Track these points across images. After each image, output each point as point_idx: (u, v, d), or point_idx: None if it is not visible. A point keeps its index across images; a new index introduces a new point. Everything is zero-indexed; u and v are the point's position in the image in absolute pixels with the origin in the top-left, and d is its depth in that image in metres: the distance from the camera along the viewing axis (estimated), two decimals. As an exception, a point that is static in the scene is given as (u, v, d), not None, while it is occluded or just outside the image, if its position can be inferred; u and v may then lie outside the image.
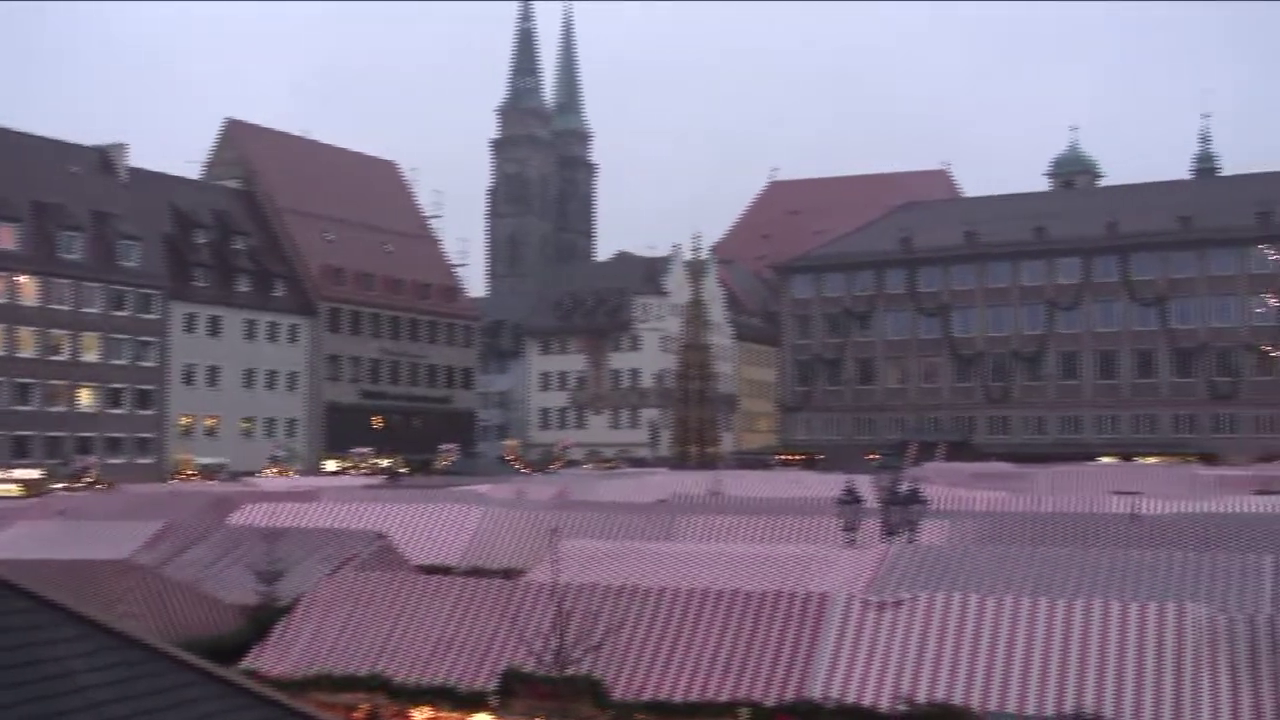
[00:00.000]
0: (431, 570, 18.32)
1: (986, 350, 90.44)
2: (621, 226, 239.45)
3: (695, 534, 21.97)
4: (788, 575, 15.63)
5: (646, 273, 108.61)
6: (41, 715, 6.42)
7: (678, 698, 12.28)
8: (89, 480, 54.06)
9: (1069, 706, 11.25)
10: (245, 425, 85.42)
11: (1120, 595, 13.49)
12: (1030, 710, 11.38)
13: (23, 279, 73.27)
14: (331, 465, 79.62)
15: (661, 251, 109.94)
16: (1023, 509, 26.86)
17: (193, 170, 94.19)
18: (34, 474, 62.17)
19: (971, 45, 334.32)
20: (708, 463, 70.60)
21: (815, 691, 11.98)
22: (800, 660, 12.39)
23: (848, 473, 31.37)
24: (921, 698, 11.61)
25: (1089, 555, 16.10)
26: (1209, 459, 69.11)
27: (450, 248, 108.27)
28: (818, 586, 14.32)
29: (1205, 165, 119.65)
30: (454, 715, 13.13)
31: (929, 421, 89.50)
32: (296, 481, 49.33)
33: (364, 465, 73.25)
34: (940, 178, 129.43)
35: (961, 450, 74.27)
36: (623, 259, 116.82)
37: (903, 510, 19.55)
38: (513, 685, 12.65)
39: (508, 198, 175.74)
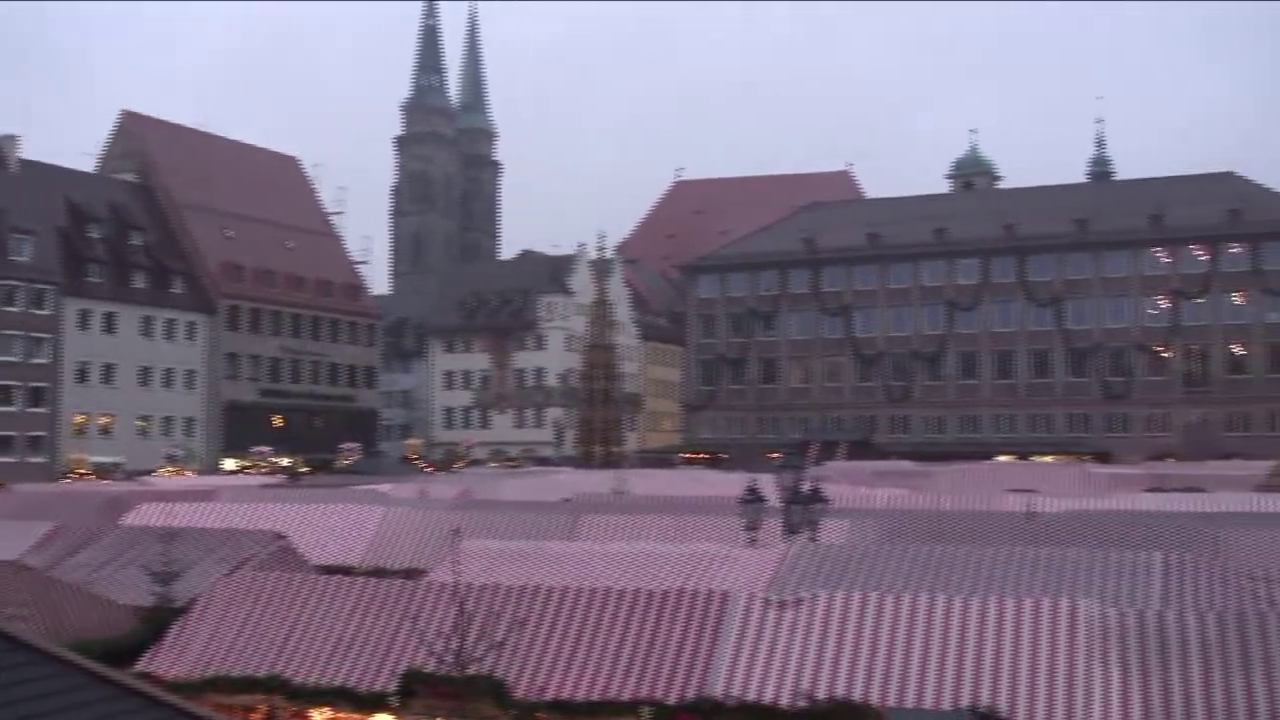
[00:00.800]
0: (332, 570, 18.07)
1: (887, 350, 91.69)
2: (526, 226, 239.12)
3: (599, 533, 21.96)
4: (690, 574, 15.68)
5: (551, 272, 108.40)
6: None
7: (580, 697, 12.27)
8: (-23, 480, 52.49)
9: (966, 701, 11.42)
10: (141, 424, 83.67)
11: (1016, 592, 13.74)
12: (928, 705, 11.53)
13: (-93, 273, 71.02)
14: (230, 465, 78.38)
15: (566, 251, 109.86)
16: (922, 507, 27.26)
17: (88, 164, 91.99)
18: (-82, 474, 60.24)
19: (875, 47, 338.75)
20: (612, 462, 70.66)
21: (716, 689, 12.03)
22: (702, 659, 12.43)
23: (750, 472, 31.61)
24: (821, 694, 11.71)
25: (986, 553, 16.37)
26: (1102, 458, 70.81)
27: (353, 245, 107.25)
28: (719, 585, 14.38)
29: (1100, 169, 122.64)
30: (354, 716, 12.98)
31: (831, 420, 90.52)
32: (194, 481, 48.46)
33: (263, 465, 72.09)
34: (843, 179, 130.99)
35: (863, 449, 75.26)
36: (527, 258, 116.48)
37: (804, 509, 19.70)
38: (413, 686, 12.54)
39: (412, 196, 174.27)
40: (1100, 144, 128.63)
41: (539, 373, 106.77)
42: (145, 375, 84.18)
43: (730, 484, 30.06)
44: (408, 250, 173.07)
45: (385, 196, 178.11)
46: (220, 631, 14.12)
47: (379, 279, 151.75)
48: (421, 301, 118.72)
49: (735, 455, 75.61)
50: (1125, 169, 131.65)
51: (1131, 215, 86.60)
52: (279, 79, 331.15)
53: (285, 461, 72.63)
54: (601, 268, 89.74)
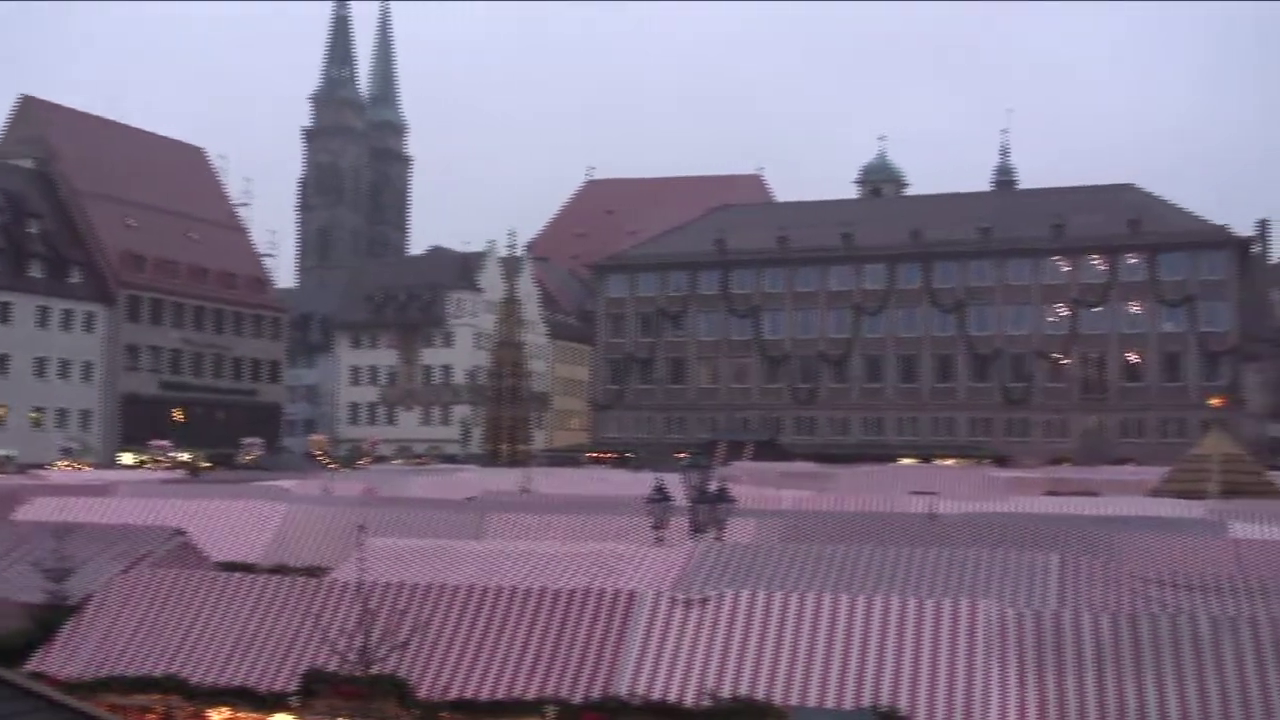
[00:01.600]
0: (232, 568, 17.77)
1: (794, 352, 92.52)
2: (436, 222, 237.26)
3: (505, 532, 21.85)
4: (596, 573, 15.67)
5: (461, 268, 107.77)
6: None
7: (484, 696, 12.20)
8: None
9: (868, 700, 11.55)
10: (35, 416, 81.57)
11: (917, 592, 13.92)
12: (830, 704, 11.65)
13: None
14: (128, 459, 76.72)
15: (476, 248, 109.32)
16: (827, 508, 27.52)
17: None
18: None
19: (789, 53, 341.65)
20: (519, 460, 70.47)
21: (622, 688, 12.03)
22: (607, 657, 12.43)
23: (658, 471, 31.68)
24: (726, 693, 11.77)
25: (889, 553, 16.57)
26: (1002, 461, 72.15)
27: (259, 238, 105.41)
28: (626, 584, 14.39)
29: (1004, 178, 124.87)
30: (253, 716, 12.76)
31: (738, 421, 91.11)
32: (89, 475, 47.31)
33: (163, 459, 70.71)
34: (754, 182, 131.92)
35: (769, 450, 75.79)
36: (437, 254, 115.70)
37: (711, 509, 19.79)
38: (315, 685, 12.37)
39: (319, 188, 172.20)
40: (1005, 154, 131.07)
41: (446, 370, 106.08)
42: (40, 366, 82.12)
43: (637, 483, 30.09)
44: (315, 244, 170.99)
45: (293, 189, 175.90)
46: (115, 630, 13.81)
47: (285, 272, 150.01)
48: (328, 296, 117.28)
49: (642, 455, 75.79)
50: (1029, 179, 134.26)
51: (1034, 224, 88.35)
52: (184, 70, 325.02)
53: (185, 456, 71.29)
54: (511, 265, 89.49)
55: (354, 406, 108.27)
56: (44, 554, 16.98)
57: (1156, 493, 34.34)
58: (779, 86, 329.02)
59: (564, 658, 12.53)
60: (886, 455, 74.38)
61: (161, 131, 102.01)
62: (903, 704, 11.40)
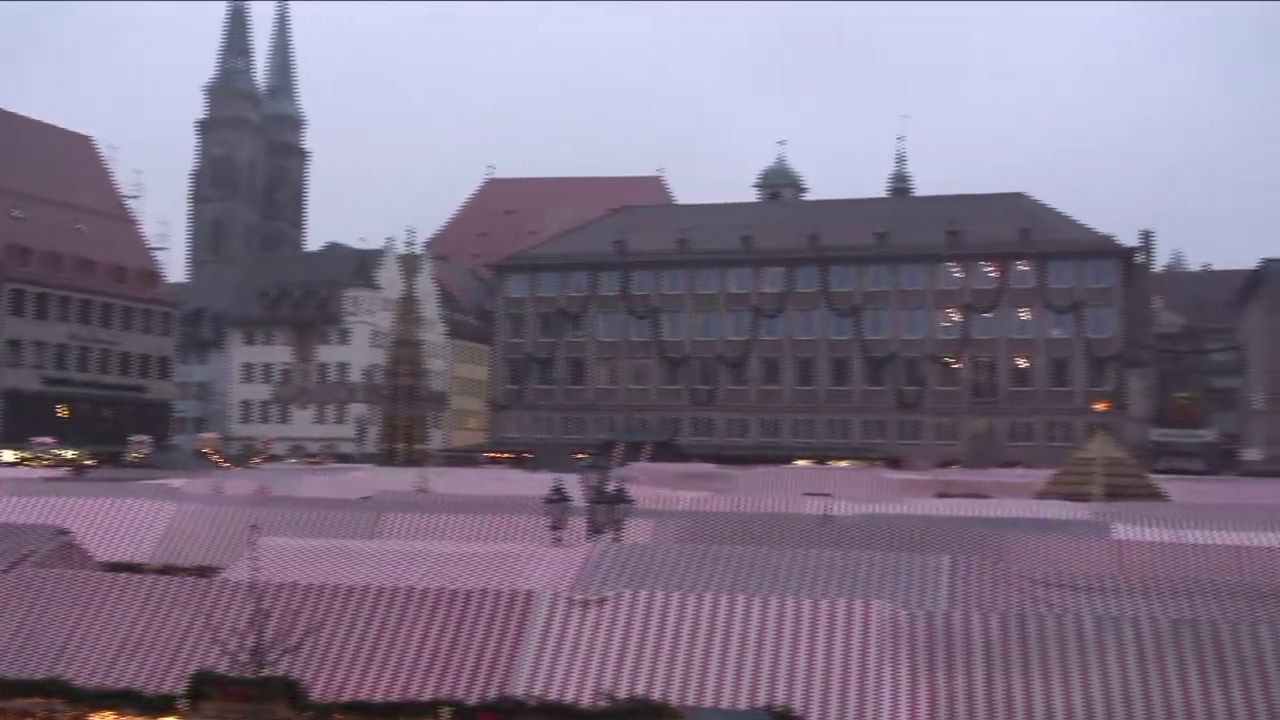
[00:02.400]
0: (119, 568, 17.34)
1: (693, 354, 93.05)
2: (333, 218, 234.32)
3: (401, 532, 21.64)
4: (493, 573, 15.59)
5: (358, 265, 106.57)
6: None
7: (378, 697, 12.07)
8: None
9: (763, 700, 11.65)
10: (-89, 411, 78.94)
11: (811, 593, 14.07)
12: (726, 704, 11.73)
13: None
14: (9, 456, 74.44)
15: (374, 245, 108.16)
16: (723, 509, 27.69)
17: None
18: None
19: (692, 55, 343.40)
20: (416, 460, 69.87)
21: (518, 689, 12.00)
22: (504, 658, 12.38)
23: (556, 471, 31.61)
24: (622, 693, 11.79)
25: (784, 554, 16.72)
26: (895, 463, 73.30)
27: (150, 231, 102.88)
28: (523, 584, 14.34)
29: (900, 185, 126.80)
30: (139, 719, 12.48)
31: (637, 422, 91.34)
32: (-31, 473, 45.86)
33: (46, 457, 68.74)
34: (655, 184, 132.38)
35: (667, 451, 76.14)
36: (333, 250, 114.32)
37: (609, 509, 19.82)
38: (204, 687, 12.13)
39: (213, 181, 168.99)
40: (901, 161, 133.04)
41: (342, 368, 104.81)
42: (-83, 360, 79.49)
43: (535, 483, 29.99)
44: (208, 238, 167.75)
45: (185, 181, 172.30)
46: (-5, 631, 13.40)
47: (177, 267, 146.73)
48: (221, 291, 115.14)
49: (541, 455, 75.61)
50: (926, 185, 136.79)
51: (929, 231, 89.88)
52: (73, 57, 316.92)
53: (70, 454, 69.43)
54: (410, 263, 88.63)
55: (246, 404, 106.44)
56: (-80, 554, 16.44)
57: (1043, 495, 35.07)
58: (681, 89, 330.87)
59: (460, 658, 12.46)
60: (783, 456, 75.13)
61: (48, 120, 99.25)
62: (797, 703, 11.52)
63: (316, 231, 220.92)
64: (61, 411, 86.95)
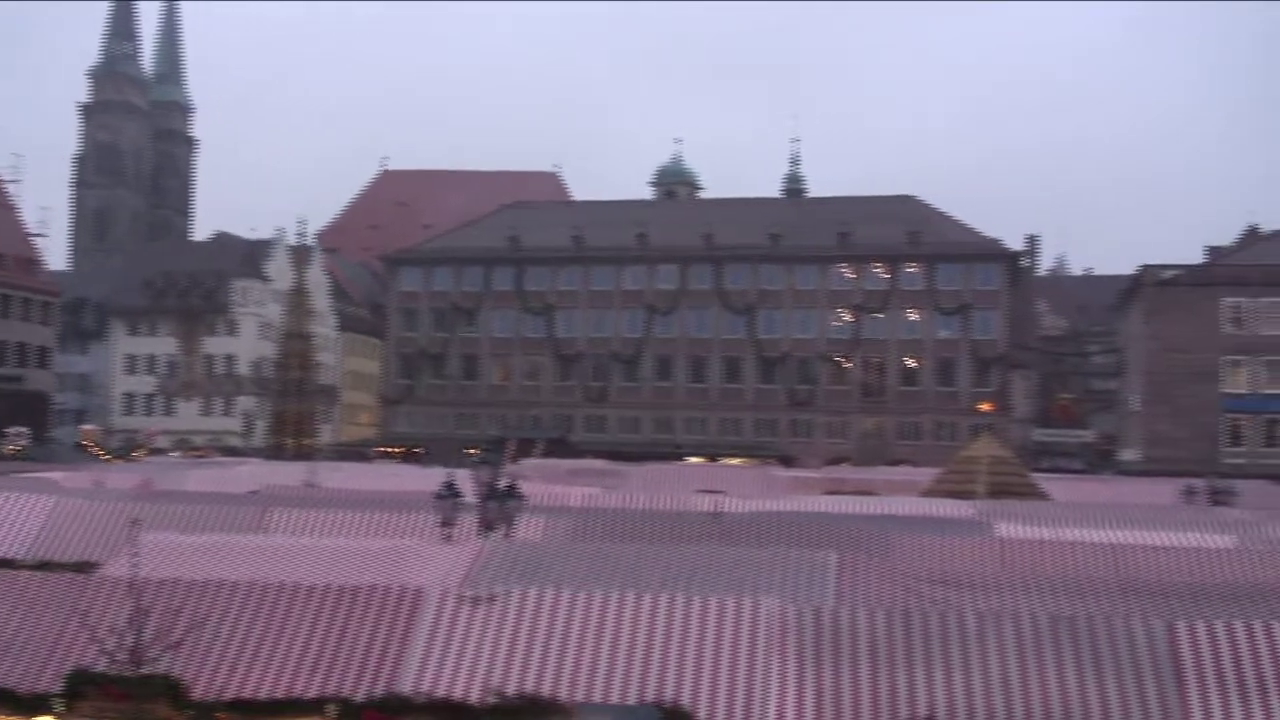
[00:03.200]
0: (-8, 564, 16.87)
1: (587, 351, 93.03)
2: (223, 207, 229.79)
3: (288, 527, 21.34)
4: (382, 569, 15.45)
5: (247, 256, 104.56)
6: None
7: (262, 695, 11.90)
8: None
9: (652, 696, 11.71)
10: None
11: (701, 590, 14.16)
12: (615, 700, 11.77)
13: None
14: (-123, 448, 71.74)
15: (264, 235, 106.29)
16: (615, 506, 27.73)
17: None
18: None
19: (589, 52, 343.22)
20: (305, 454, 68.92)
21: (406, 686, 11.91)
22: (392, 655, 12.29)
23: (448, 467, 31.39)
24: (511, 690, 11.76)
25: (675, 551, 16.83)
26: (786, 461, 74.04)
27: (30, 216, 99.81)
28: (412, 581, 14.23)
29: (794, 186, 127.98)
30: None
31: (530, 418, 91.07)
32: None
33: (-84, 449, 66.38)
34: (551, 179, 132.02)
35: (560, 447, 75.97)
36: (222, 240, 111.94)
37: (500, 506, 19.75)
38: (81, 687, 11.84)
39: (97, 167, 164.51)
40: (795, 162, 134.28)
41: (230, 360, 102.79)
42: None
43: (426, 479, 29.73)
44: (91, 225, 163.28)
45: (68, 167, 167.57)
46: None
47: (58, 254, 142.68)
48: (104, 280, 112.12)
49: (433, 451, 75.05)
50: (821, 185, 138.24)
51: (821, 232, 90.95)
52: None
53: (-58, 446, 67.11)
54: (301, 255, 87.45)
55: (129, 396, 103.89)
56: None
57: (929, 493, 35.69)
58: (579, 85, 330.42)
59: (347, 655, 12.34)
60: (676, 454, 75.52)
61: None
62: (685, 699, 11.61)
63: (205, 221, 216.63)
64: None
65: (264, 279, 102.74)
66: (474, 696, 11.76)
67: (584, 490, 32.38)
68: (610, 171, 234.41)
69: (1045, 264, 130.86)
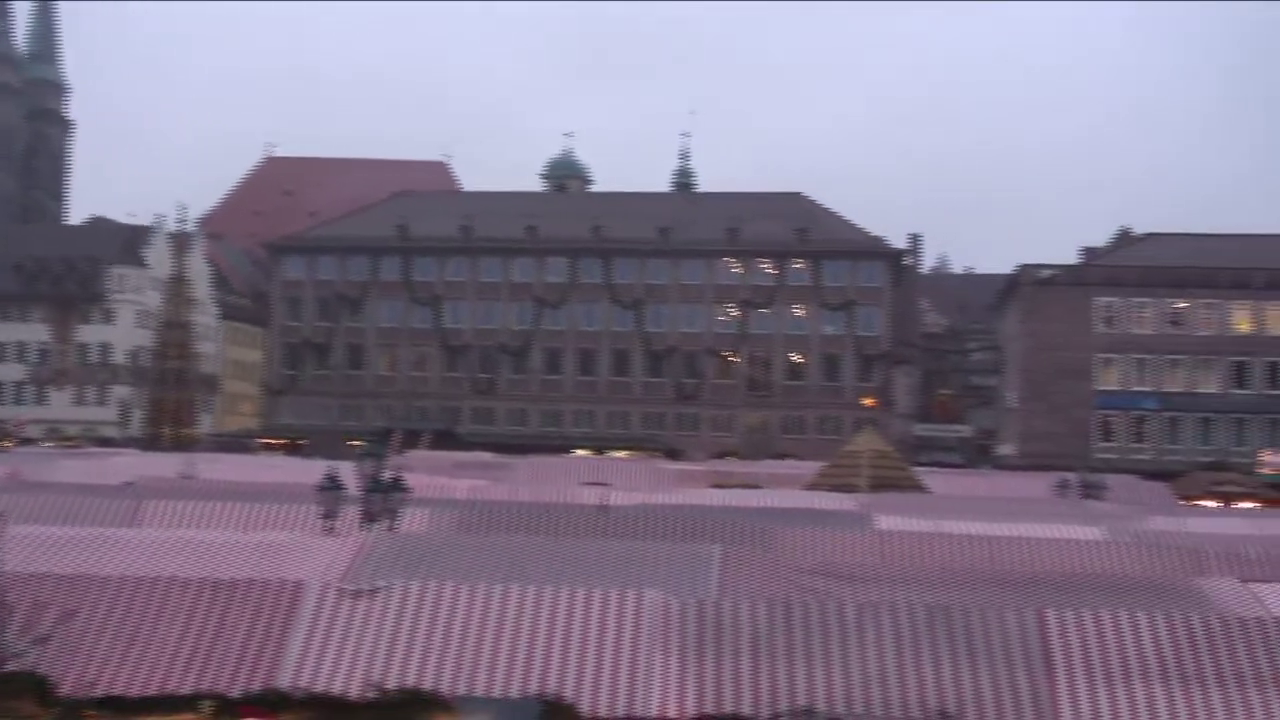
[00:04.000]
0: None
1: (475, 343, 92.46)
2: (100, 191, 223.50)
3: (164, 520, 20.85)
4: (261, 563, 15.19)
5: (125, 242, 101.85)
6: None
7: (134, 692, 11.61)
8: None
9: (534, 688, 11.69)
10: None
11: (586, 582, 14.18)
12: (497, 693, 11.73)
13: None
14: None
15: (143, 221, 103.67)
16: (501, 498, 27.60)
17: None
18: None
19: (481, 43, 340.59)
20: (183, 445, 67.52)
21: (284, 681, 11.72)
22: (270, 650, 12.09)
23: (332, 459, 30.97)
24: (393, 684, 11.65)
25: (560, 544, 16.83)
26: (673, 455, 74.45)
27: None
28: (292, 574, 14.01)
29: (683, 180, 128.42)
30: None
31: (416, 410, 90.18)
32: None
33: None
34: (440, 169, 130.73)
35: (447, 439, 75.42)
36: (98, 225, 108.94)
37: (384, 498, 19.56)
38: (-60, 685, 11.44)
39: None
40: (685, 157, 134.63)
41: (105, 348, 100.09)
42: None
43: (309, 471, 29.31)
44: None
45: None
46: None
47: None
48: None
49: (317, 442, 73.89)
50: (712, 181, 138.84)
51: (710, 227, 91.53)
52: None
53: None
54: (181, 241, 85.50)
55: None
56: None
57: (813, 486, 36.22)
58: (471, 76, 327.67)
59: (224, 650, 12.11)
60: (563, 446, 75.42)
61: None
62: (568, 692, 11.61)
63: (80, 205, 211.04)
64: None
65: (142, 266, 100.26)
66: (354, 691, 11.63)
67: (470, 483, 32.23)
68: (501, 163, 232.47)
69: (928, 263, 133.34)
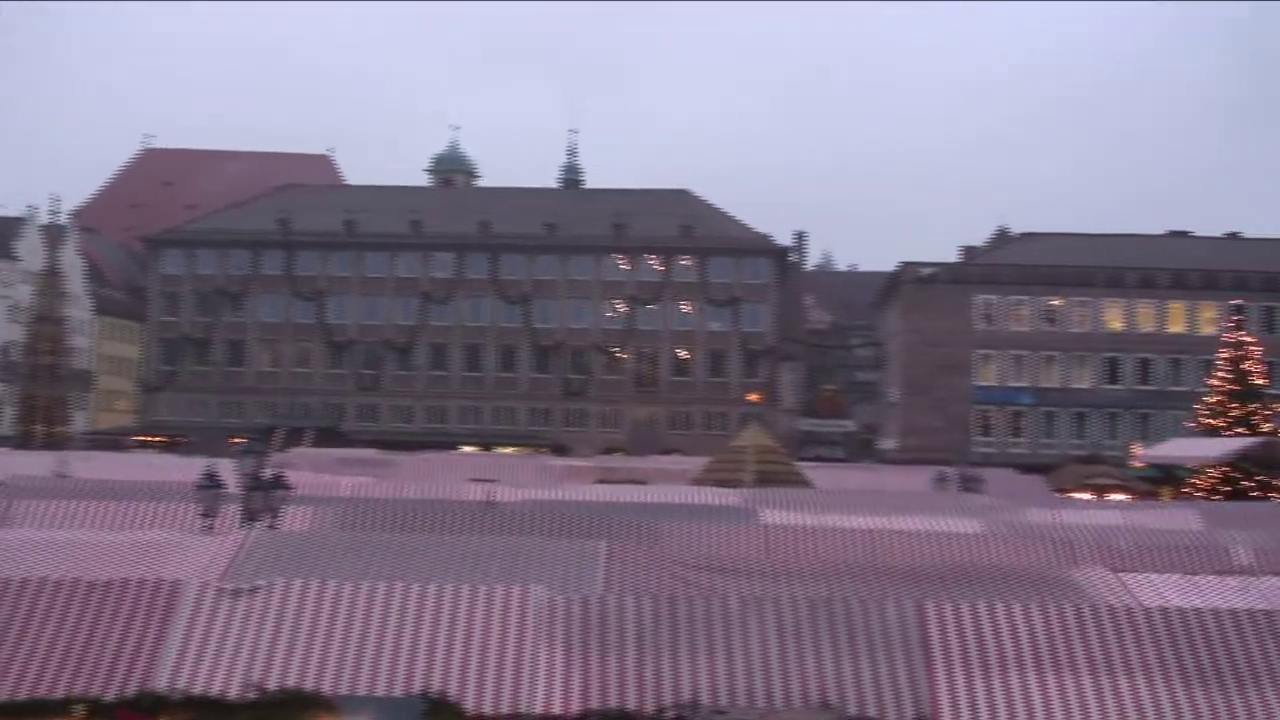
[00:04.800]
0: None
1: (360, 338, 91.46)
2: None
3: (35, 520, 20.25)
4: (137, 562, 14.85)
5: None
6: None
7: (2, 697, 11.28)
8: None
9: (418, 686, 11.62)
10: None
11: (472, 579, 14.12)
12: (381, 692, 11.63)
13: None
14: None
15: (13, 213, 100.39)
16: (386, 495, 27.33)
17: None
18: None
19: (368, 34, 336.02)
20: (56, 443, 65.70)
21: (161, 683, 11.48)
22: (146, 651, 11.83)
23: (211, 456, 30.40)
24: (273, 684, 11.48)
25: (445, 541, 16.72)
26: (560, 450, 74.47)
27: None
28: (169, 574, 13.72)
29: (571, 177, 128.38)
30: None
31: (299, 406, 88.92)
32: None
33: None
34: (323, 162, 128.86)
35: (330, 436, 74.51)
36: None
37: (265, 496, 19.26)
38: None
39: None
40: (573, 153, 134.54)
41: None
42: None
43: (188, 469, 28.73)
44: None
45: None
46: None
47: None
48: None
49: (196, 439, 72.47)
50: (599, 179, 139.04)
51: (597, 223, 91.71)
52: None
53: None
54: (54, 234, 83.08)
55: None
56: None
57: (699, 481, 36.44)
58: (354, 68, 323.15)
59: (98, 653, 11.82)
60: (449, 443, 74.93)
61: None
62: (453, 689, 11.56)
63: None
64: None
65: (13, 259, 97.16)
66: (233, 692, 11.44)
67: (353, 480, 31.84)
68: (386, 157, 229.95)
69: (812, 260, 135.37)
